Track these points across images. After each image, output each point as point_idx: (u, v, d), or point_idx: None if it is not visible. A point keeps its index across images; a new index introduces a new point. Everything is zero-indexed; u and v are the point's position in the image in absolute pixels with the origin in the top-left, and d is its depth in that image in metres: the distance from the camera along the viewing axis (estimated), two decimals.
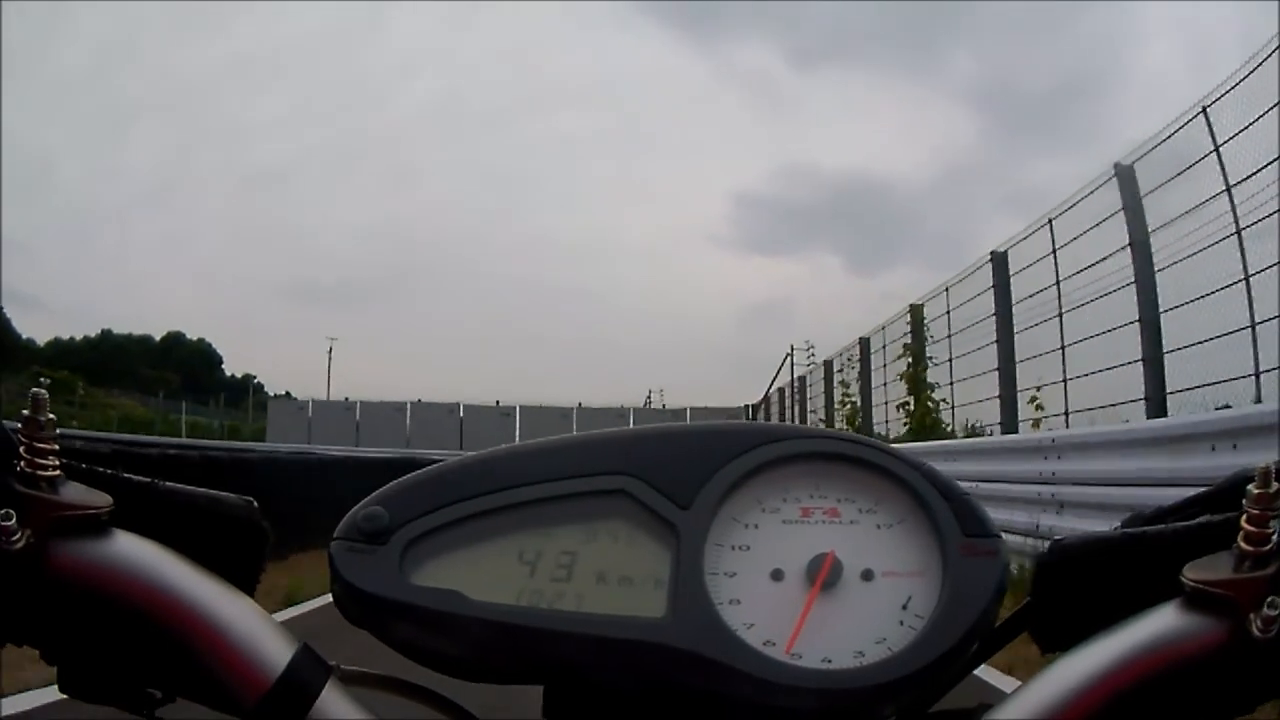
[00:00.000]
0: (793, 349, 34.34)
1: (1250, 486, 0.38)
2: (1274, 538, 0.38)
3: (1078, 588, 0.42)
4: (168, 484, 0.44)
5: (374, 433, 30.94)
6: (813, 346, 33.13)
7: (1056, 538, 0.44)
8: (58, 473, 0.41)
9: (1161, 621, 0.39)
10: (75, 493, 0.41)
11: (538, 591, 0.43)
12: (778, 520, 0.45)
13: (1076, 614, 0.42)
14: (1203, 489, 0.44)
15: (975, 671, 0.45)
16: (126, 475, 0.44)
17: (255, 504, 0.45)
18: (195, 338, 76.86)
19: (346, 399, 36.58)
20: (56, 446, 0.40)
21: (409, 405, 34.25)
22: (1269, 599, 0.37)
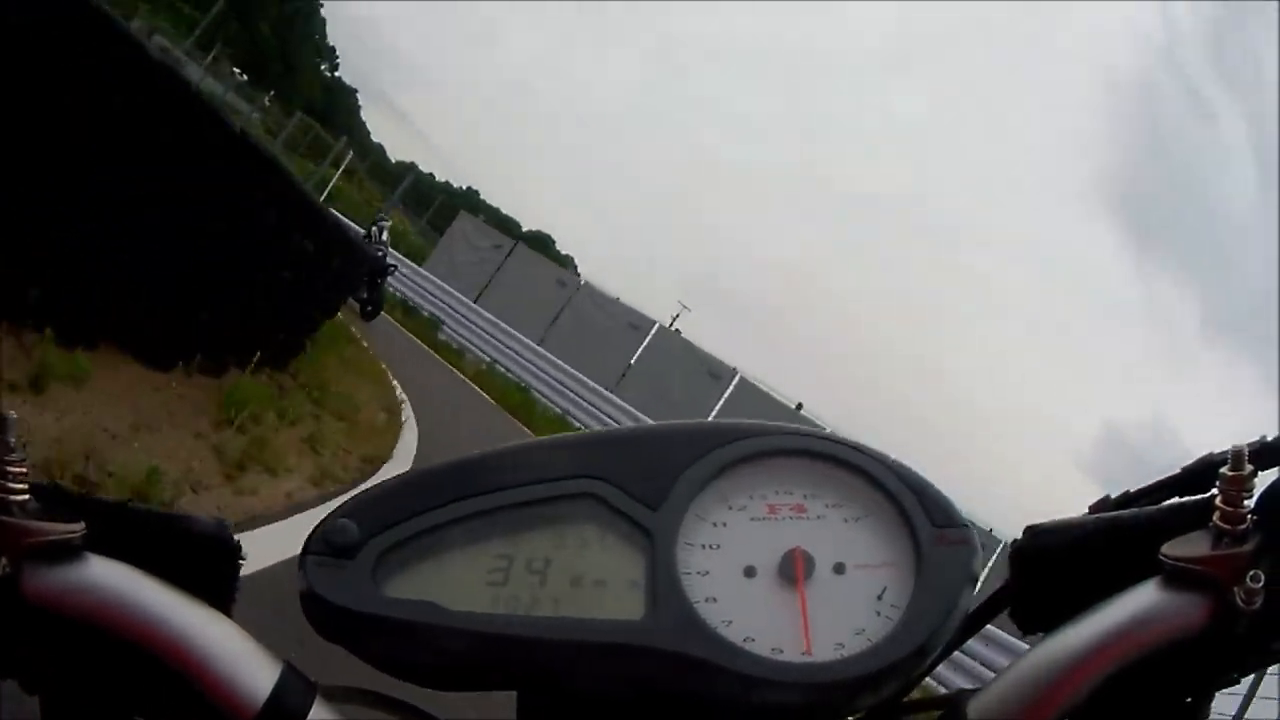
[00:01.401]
0: None
1: (1223, 469, 0.39)
2: (1249, 516, 0.38)
3: (1053, 571, 0.43)
4: (139, 505, 0.44)
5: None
6: None
7: (1030, 524, 0.44)
8: (28, 497, 0.40)
9: (1143, 599, 0.39)
10: (47, 518, 0.40)
11: (513, 598, 0.42)
12: (745, 518, 0.45)
13: (1054, 596, 0.42)
14: (1169, 474, 0.44)
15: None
16: (97, 497, 0.43)
17: (226, 523, 0.45)
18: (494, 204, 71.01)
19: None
20: (26, 470, 0.40)
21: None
22: (1250, 572, 0.37)
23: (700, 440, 0.46)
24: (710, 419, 0.48)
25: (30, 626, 0.39)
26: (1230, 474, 0.39)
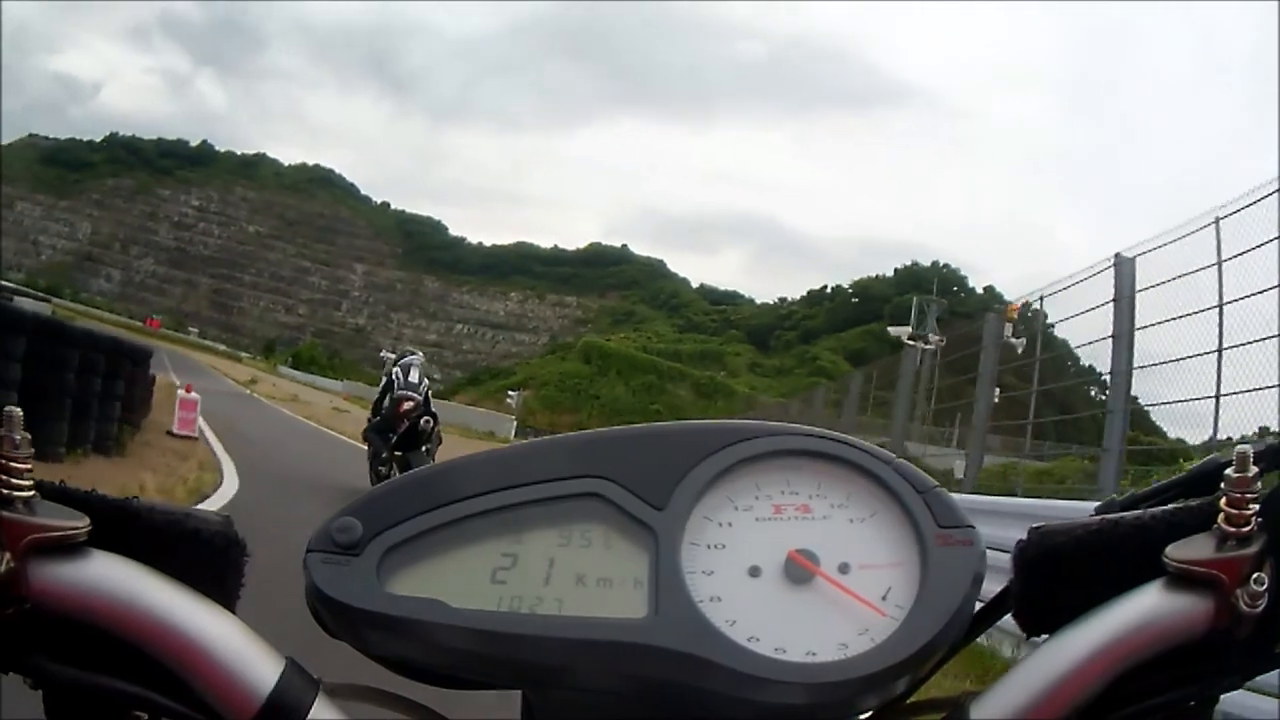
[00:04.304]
0: None
1: (1229, 471, 0.39)
2: (1254, 519, 0.39)
3: (1058, 572, 0.43)
4: (143, 501, 0.44)
5: None
6: None
7: (1035, 525, 0.44)
8: (33, 493, 0.40)
9: (1147, 601, 0.39)
10: (52, 513, 0.40)
11: (518, 596, 0.42)
12: (751, 518, 0.45)
13: (1058, 598, 0.42)
14: (1175, 476, 0.45)
15: None
16: (101, 494, 0.43)
17: (231, 519, 0.45)
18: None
19: None
20: (31, 466, 0.40)
21: None
22: (1254, 575, 0.37)
23: (706, 440, 0.46)
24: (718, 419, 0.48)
25: (34, 622, 0.39)
26: (1235, 476, 0.39)
